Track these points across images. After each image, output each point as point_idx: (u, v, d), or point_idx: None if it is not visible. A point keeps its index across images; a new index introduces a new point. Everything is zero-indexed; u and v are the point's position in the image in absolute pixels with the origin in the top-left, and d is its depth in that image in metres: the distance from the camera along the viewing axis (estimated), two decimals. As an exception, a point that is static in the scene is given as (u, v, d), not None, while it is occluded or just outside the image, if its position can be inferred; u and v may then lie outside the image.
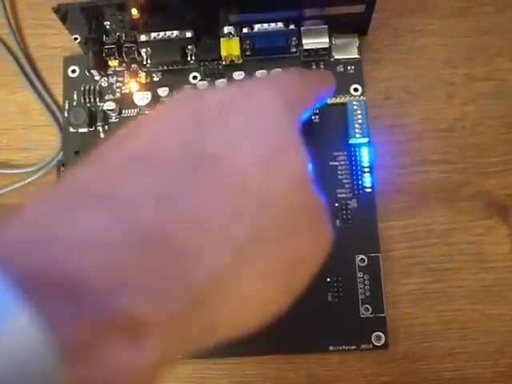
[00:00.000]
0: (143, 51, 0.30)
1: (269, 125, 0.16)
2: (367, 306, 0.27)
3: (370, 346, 0.27)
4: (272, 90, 0.18)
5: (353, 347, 0.27)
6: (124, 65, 0.31)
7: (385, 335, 0.27)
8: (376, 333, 0.27)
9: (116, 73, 0.31)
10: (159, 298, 0.12)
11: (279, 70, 0.29)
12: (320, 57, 0.30)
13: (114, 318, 0.11)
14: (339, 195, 0.29)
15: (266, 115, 0.17)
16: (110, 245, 0.12)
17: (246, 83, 0.20)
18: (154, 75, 0.31)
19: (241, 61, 0.30)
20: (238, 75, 0.30)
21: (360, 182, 0.29)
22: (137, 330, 0.12)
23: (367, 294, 0.28)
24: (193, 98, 0.17)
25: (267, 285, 0.15)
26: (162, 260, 0.12)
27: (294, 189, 0.16)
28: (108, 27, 0.29)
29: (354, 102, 0.29)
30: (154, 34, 0.29)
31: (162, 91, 0.30)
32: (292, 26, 0.29)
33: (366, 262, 0.28)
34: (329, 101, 0.29)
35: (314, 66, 0.30)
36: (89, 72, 0.31)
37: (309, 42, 0.29)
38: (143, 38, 0.29)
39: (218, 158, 0.15)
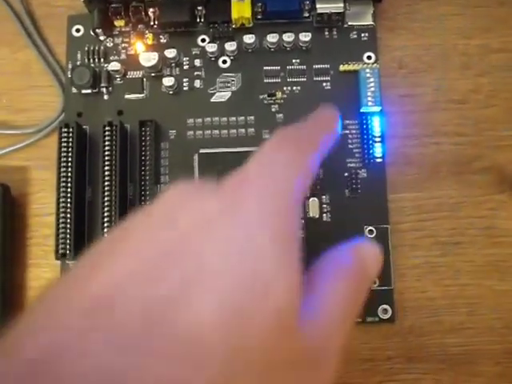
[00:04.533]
0: (151, 11, 0.29)
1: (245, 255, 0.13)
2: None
3: (377, 319, 0.27)
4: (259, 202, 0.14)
5: (359, 320, 0.27)
6: (130, 25, 0.30)
7: (392, 308, 0.27)
8: (383, 306, 0.27)
9: (122, 33, 0.30)
10: None
11: (291, 33, 0.28)
12: (333, 23, 0.29)
13: None
14: (349, 164, 0.28)
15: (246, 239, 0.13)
16: None
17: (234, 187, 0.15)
18: (161, 36, 0.30)
19: (251, 24, 0.29)
20: (249, 39, 0.29)
21: (371, 152, 0.28)
22: None
23: (375, 265, 0.27)
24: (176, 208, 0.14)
25: None
26: None
27: (271, 339, 0.12)
28: (114, -15, 0.28)
29: (367, 70, 0.28)
30: (162, -7, 0.28)
31: (169, 53, 0.29)
32: (306, -11, 0.28)
33: (375, 233, 0.27)
34: (341, 68, 0.29)
35: (326, 33, 0.29)
36: (93, 32, 0.30)
37: (323, 7, 0.28)
38: (151, -4, 0.28)
39: (173, 307, 0.12)
